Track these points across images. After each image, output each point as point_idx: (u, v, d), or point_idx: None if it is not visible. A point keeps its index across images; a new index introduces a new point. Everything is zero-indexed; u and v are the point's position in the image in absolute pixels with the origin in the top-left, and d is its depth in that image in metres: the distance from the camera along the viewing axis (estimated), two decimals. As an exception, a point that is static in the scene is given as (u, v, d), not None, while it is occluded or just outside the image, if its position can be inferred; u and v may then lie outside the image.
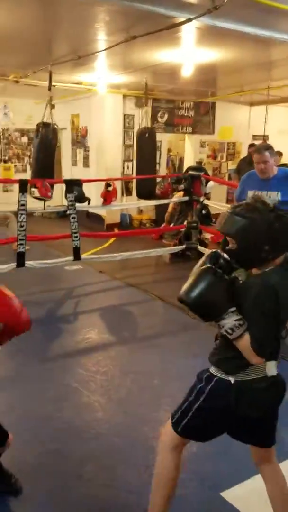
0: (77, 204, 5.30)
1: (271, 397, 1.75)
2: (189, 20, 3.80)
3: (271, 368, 1.68)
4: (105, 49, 5.38)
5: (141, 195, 7.55)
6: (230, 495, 2.20)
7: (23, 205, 4.74)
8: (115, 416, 2.93)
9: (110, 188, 5.43)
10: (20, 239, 4.86)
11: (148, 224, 9.25)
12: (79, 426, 2.80)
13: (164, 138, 9.63)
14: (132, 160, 8.95)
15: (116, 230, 8.21)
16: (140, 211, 9.48)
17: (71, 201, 5.22)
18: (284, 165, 7.17)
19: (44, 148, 6.40)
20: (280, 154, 7.79)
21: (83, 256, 5.55)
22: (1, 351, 3.64)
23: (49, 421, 2.83)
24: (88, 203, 5.53)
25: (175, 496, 1.85)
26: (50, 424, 2.80)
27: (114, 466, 2.44)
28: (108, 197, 5.50)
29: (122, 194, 8.85)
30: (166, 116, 9.50)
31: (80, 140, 9.78)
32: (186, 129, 9.88)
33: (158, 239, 7.57)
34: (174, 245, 6.84)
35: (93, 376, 3.44)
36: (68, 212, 5.25)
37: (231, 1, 3.43)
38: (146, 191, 7.40)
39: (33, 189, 5.17)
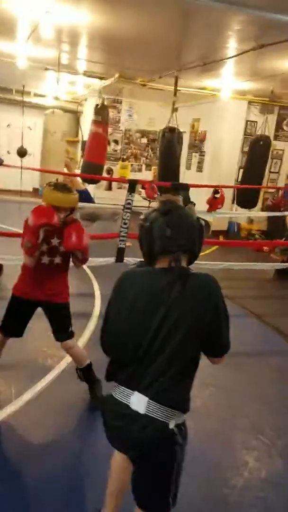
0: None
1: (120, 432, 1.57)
2: None
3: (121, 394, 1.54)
4: (233, 56, 5.35)
5: (239, 203, 7.33)
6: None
7: (129, 203, 4.91)
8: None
9: (218, 196, 5.37)
10: (122, 236, 5.01)
11: (258, 236, 8.87)
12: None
13: (288, 147, 9.23)
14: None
15: (221, 238, 8.08)
16: (251, 221, 9.19)
17: (175, 204, 5.27)
18: None
19: (169, 153, 6.51)
20: None
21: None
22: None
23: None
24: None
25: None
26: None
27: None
28: (213, 204, 5.43)
29: (233, 202, 8.69)
30: (293, 124, 9.08)
31: (197, 144, 9.82)
32: (314, 139, 9.32)
33: (270, 253, 7.28)
34: (282, 262, 6.53)
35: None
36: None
37: None
38: (244, 199, 7.15)
39: (140, 189, 5.33)
